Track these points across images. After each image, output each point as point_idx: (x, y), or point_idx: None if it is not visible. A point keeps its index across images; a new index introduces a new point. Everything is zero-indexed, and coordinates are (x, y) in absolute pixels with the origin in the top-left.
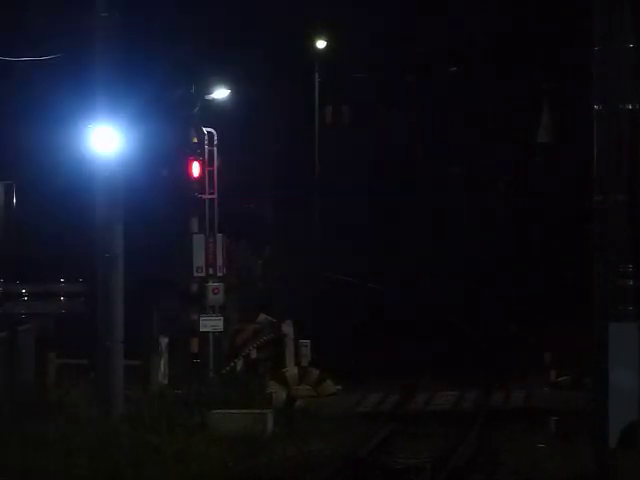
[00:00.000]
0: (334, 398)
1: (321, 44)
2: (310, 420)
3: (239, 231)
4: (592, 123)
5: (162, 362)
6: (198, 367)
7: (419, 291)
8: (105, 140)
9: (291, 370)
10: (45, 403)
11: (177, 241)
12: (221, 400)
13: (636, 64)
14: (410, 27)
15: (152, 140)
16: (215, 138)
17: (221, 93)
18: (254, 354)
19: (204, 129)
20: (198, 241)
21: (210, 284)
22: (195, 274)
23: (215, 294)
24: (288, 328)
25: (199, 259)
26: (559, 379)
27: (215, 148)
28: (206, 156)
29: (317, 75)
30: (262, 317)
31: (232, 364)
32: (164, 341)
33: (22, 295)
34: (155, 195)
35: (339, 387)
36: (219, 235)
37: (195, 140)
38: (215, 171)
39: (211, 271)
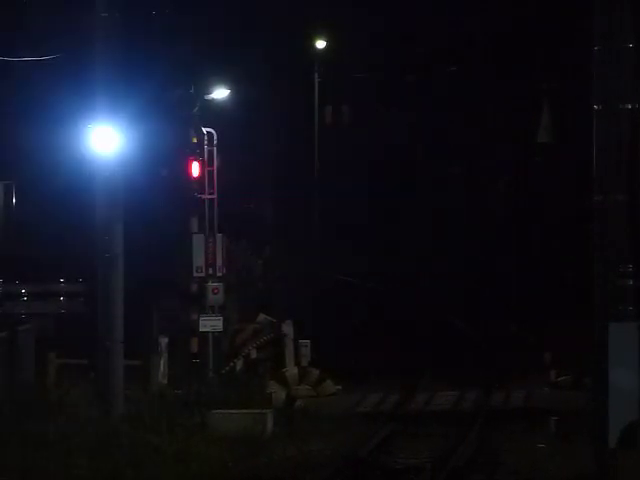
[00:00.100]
0: (334, 398)
1: (321, 44)
2: (310, 420)
3: (239, 231)
4: (592, 123)
5: (162, 362)
6: (198, 367)
7: (419, 291)
8: (105, 140)
9: (291, 370)
10: (45, 403)
11: (177, 241)
12: (221, 400)
13: (636, 64)
14: (410, 27)
15: (152, 140)
16: (215, 138)
17: (221, 93)
18: (254, 354)
19: (204, 129)
20: (198, 241)
21: (210, 284)
22: (195, 274)
23: (215, 294)
24: (288, 328)
25: (199, 259)
26: (559, 379)
27: (215, 148)
28: (206, 156)
29: (317, 75)
30: (262, 317)
31: (232, 364)
32: (164, 341)
33: (22, 295)
34: (155, 195)
35: (339, 387)
36: (219, 235)
37: (195, 140)
38: (215, 171)
39: (211, 271)
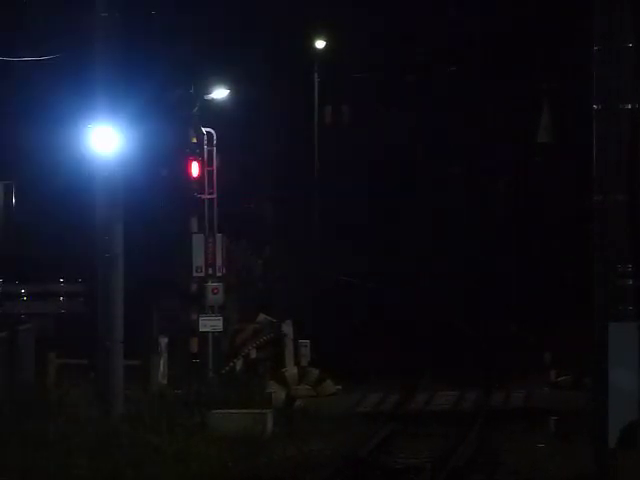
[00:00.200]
0: (334, 398)
1: (321, 44)
2: (310, 420)
3: (239, 231)
4: (592, 123)
5: (162, 362)
6: (198, 367)
7: (419, 291)
8: (105, 140)
9: (291, 370)
10: (45, 403)
11: (177, 241)
12: (221, 400)
13: (636, 64)
14: (410, 27)
15: (152, 140)
16: (214, 138)
17: (220, 93)
18: (254, 354)
19: (203, 129)
20: (198, 241)
21: (210, 284)
22: (195, 274)
23: (215, 294)
24: (288, 328)
25: (199, 259)
26: (559, 379)
27: (214, 148)
28: (205, 156)
29: (317, 75)
30: (262, 317)
31: (232, 364)
32: (164, 341)
33: (22, 295)
34: (155, 195)
35: (339, 387)
36: (219, 235)
37: (194, 140)
38: (214, 171)
39: (211, 271)
